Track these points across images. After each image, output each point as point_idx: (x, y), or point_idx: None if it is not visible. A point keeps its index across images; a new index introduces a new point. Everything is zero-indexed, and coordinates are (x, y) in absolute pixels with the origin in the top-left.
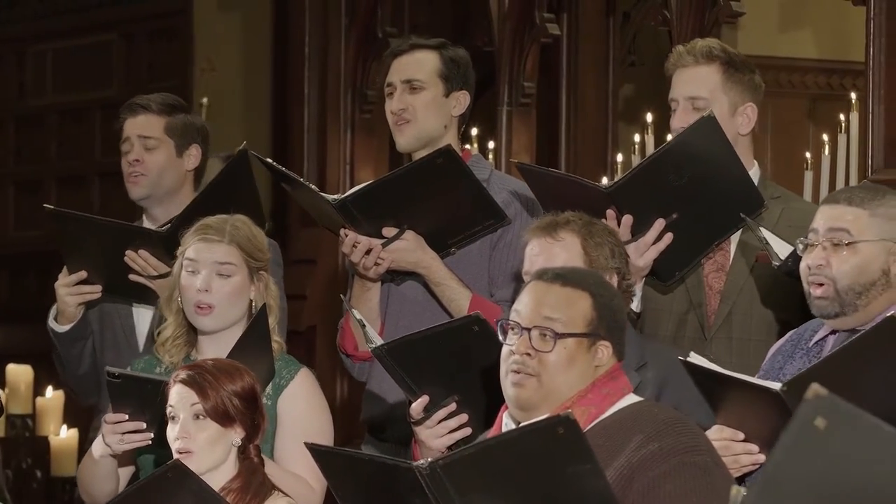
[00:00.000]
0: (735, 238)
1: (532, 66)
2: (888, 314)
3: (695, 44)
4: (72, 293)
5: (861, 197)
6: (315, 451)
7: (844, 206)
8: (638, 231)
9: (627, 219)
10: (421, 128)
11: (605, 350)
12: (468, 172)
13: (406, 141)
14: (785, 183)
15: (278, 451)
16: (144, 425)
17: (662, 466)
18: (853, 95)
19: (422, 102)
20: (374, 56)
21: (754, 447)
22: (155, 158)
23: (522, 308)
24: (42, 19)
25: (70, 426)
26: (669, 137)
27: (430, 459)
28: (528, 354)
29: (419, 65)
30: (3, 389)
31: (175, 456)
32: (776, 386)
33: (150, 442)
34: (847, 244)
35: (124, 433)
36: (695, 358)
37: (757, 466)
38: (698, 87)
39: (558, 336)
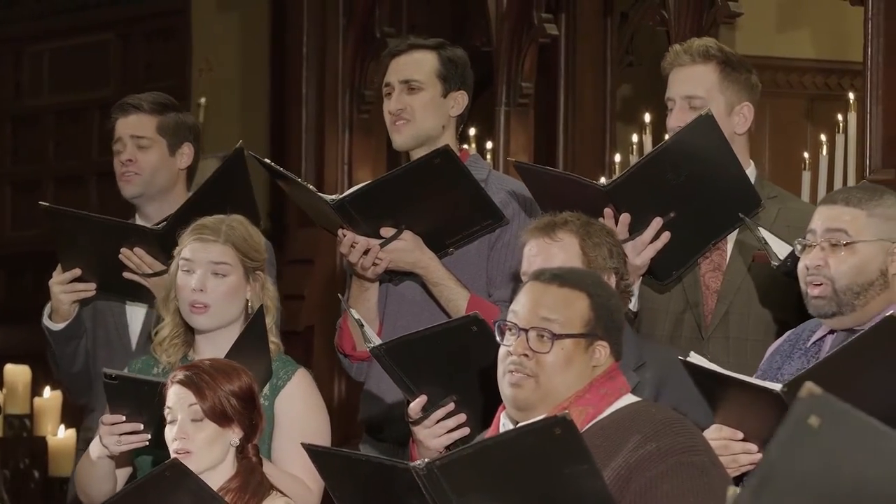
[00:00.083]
0: (732, 238)
1: (530, 67)
2: (887, 314)
3: (691, 43)
4: (66, 291)
5: (859, 197)
6: (312, 451)
7: (842, 206)
8: (636, 230)
9: (625, 217)
10: (419, 128)
11: (602, 350)
12: (466, 172)
13: (403, 139)
14: (783, 183)
15: (275, 451)
16: (142, 426)
17: (660, 466)
18: (851, 95)
19: (420, 103)
20: (372, 56)
21: (753, 447)
22: (148, 158)
23: (520, 309)
24: (39, 19)
25: (68, 426)
26: (667, 137)
27: (427, 460)
28: (526, 355)
29: (417, 65)
30: (1, 390)
31: (173, 456)
32: (776, 386)
33: (147, 443)
34: (845, 244)
35: (122, 434)
36: (695, 358)
37: (755, 466)
38: (695, 87)
39: (556, 337)
